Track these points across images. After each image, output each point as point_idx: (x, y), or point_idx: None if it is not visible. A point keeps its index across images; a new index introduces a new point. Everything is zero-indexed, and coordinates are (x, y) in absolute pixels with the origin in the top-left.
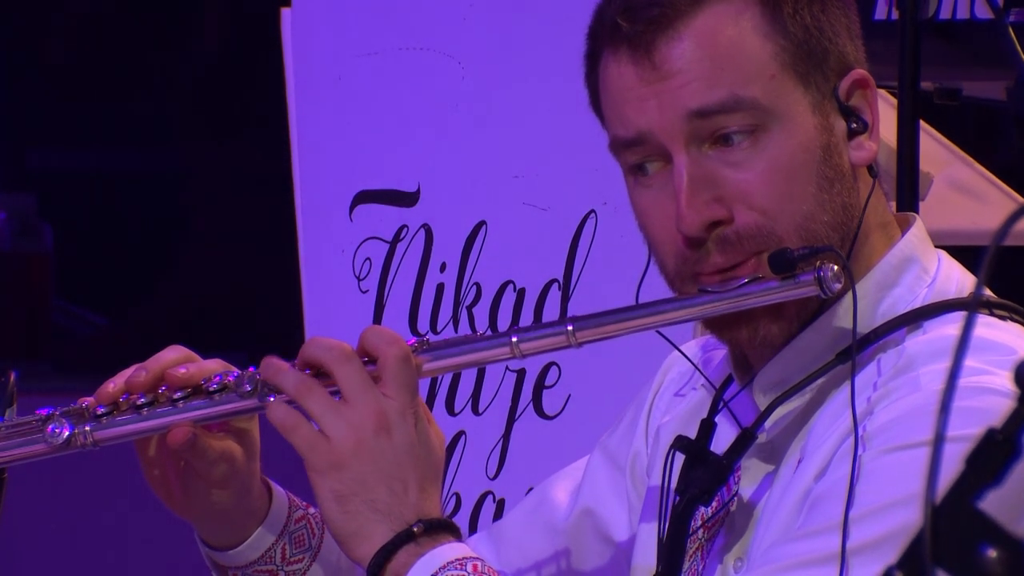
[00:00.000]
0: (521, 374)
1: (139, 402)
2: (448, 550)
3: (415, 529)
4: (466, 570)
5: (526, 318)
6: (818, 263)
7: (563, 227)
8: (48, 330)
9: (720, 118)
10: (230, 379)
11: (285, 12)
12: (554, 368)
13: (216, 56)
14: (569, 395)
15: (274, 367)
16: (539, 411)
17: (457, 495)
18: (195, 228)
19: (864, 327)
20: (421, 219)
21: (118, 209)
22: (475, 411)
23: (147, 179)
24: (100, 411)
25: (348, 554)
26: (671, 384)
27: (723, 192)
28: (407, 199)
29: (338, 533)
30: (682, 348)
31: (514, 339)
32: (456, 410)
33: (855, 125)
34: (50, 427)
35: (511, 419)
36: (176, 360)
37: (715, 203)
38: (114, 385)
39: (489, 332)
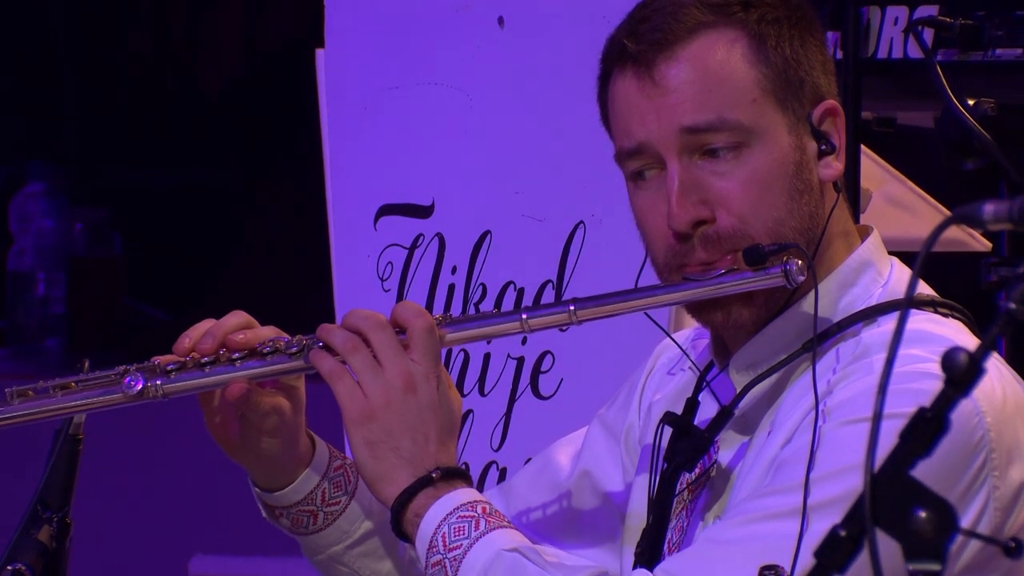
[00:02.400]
0: (520, 361)
1: (203, 361)
2: (461, 494)
3: (434, 475)
4: (476, 512)
5: None
6: (785, 258)
7: (556, 235)
8: (118, 324)
9: (708, 135)
10: (281, 343)
11: (319, 52)
12: (549, 356)
13: (263, 91)
14: (561, 379)
15: (327, 328)
16: (536, 393)
17: (466, 464)
18: (243, 236)
19: (826, 320)
20: (435, 229)
21: (178, 220)
22: (481, 392)
23: (203, 194)
24: (170, 368)
25: (376, 495)
26: (662, 367)
27: (708, 196)
28: (423, 211)
29: (367, 476)
30: (673, 336)
31: (524, 316)
32: (465, 392)
33: (824, 147)
34: (126, 379)
35: (512, 399)
36: (237, 325)
37: (701, 205)
38: (189, 340)
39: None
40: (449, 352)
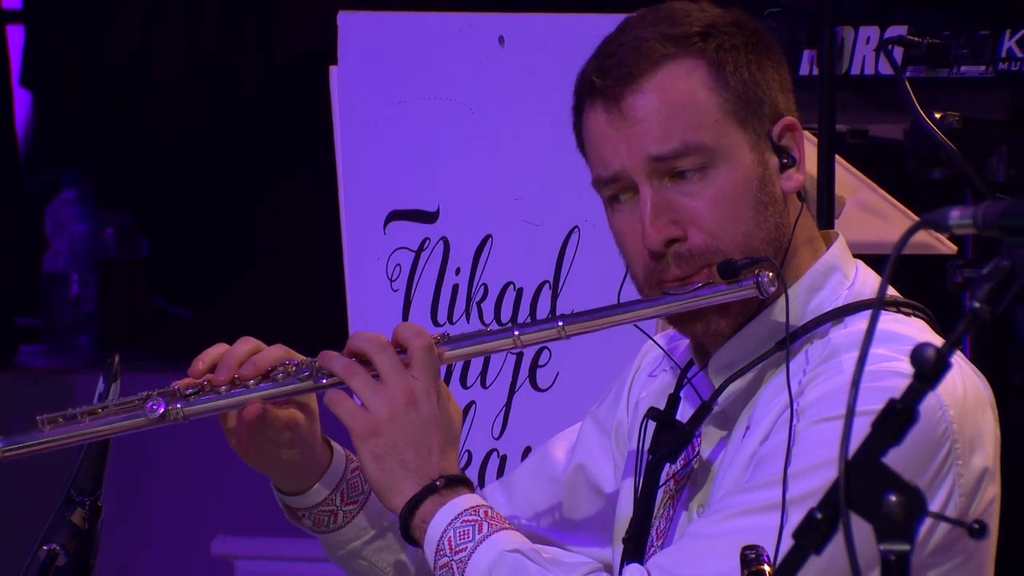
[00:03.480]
0: (520, 355)
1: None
2: (465, 500)
3: (438, 483)
4: (479, 516)
5: (523, 312)
6: (757, 271)
7: (553, 239)
8: (145, 322)
9: (675, 160)
10: (292, 367)
11: (333, 69)
12: (546, 351)
13: (281, 105)
14: (558, 372)
15: (327, 356)
16: (534, 385)
17: (469, 452)
18: (262, 240)
19: (796, 322)
20: (440, 233)
21: (202, 224)
22: (483, 385)
23: (225, 200)
24: (189, 392)
25: (384, 504)
26: (646, 367)
27: (679, 216)
28: (429, 217)
29: (376, 486)
30: (655, 338)
31: (516, 333)
32: (468, 384)
33: (785, 160)
34: (149, 404)
35: (512, 391)
36: (247, 352)
37: (673, 224)
38: (203, 363)
39: (496, 327)
40: None
